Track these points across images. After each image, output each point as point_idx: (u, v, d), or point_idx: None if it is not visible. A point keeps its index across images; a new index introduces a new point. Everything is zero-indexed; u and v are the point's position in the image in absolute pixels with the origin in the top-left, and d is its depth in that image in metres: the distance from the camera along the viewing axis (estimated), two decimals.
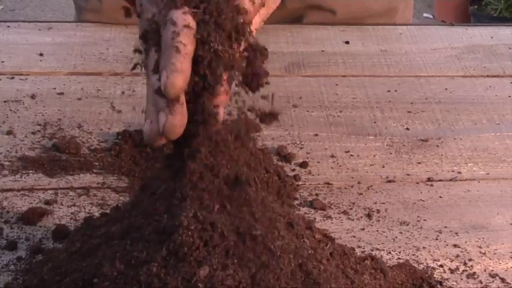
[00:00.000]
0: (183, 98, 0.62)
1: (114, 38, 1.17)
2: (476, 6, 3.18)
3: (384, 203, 0.88)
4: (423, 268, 0.78)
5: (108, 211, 0.77)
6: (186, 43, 0.61)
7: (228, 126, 0.66)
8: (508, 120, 1.04)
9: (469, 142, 0.99)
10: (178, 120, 0.61)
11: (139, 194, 0.69)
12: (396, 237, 0.82)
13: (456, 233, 0.84)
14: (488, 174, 0.94)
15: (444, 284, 0.76)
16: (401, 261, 0.78)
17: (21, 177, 0.88)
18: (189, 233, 0.60)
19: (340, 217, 0.85)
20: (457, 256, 0.80)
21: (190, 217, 0.60)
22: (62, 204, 0.84)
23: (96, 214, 0.80)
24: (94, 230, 0.69)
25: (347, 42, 1.21)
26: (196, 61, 0.62)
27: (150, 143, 0.64)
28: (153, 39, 0.64)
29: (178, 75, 0.60)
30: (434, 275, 0.77)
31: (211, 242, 0.60)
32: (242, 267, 0.60)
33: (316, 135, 0.99)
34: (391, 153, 0.96)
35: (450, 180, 0.92)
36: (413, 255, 0.80)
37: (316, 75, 1.12)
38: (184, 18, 0.62)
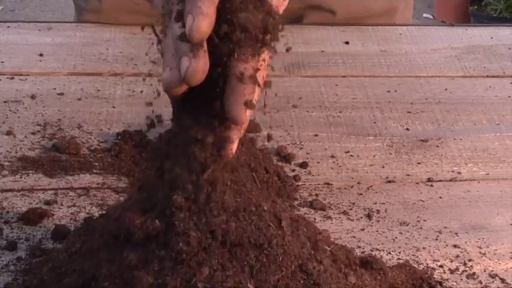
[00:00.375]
0: (205, 45, 0.61)
1: (114, 39, 1.17)
2: (476, 7, 3.17)
3: (384, 204, 0.88)
4: (423, 268, 0.78)
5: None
6: None
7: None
8: (508, 121, 1.04)
9: (469, 142, 0.99)
10: (201, 64, 0.61)
11: (136, 194, 0.69)
12: (396, 238, 0.82)
13: (456, 234, 0.84)
14: (488, 174, 0.94)
15: (444, 284, 0.76)
16: (401, 261, 0.78)
17: (21, 178, 0.88)
18: (188, 240, 0.60)
19: (340, 217, 0.85)
20: (457, 256, 0.80)
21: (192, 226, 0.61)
22: (62, 205, 0.84)
23: (96, 214, 0.80)
24: (93, 230, 0.69)
25: (347, 43, 1.21)
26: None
27: (170, 89, 0.63)
28: None
29: (205, 18, 0.60)
30: (434, 276, 0.77)
31: (210, 247, 0.60)
32: (242, 269, 0.60)
33: (316, 135, 0.99)
34: (391, 154, 0.96)
35: (450, 180, 0.92)
36: (413, 255, 0.80)
37: (316, 76, 1.12)
38: None
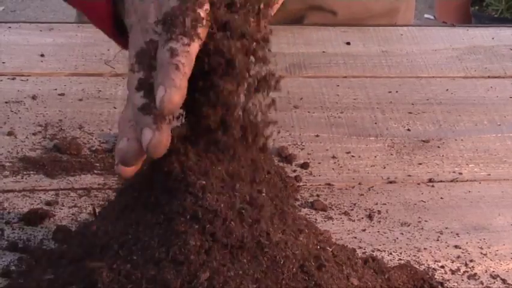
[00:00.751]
0: (170, 118, 0.61)
1: None
2: (477, 7, 3.18)
3: (385, 204, 0.88)
4: (424, 269, 0.78)
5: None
6: (185, 64, 0.60)
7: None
8: (509, 121, 1.04)
9: (470, 143, 0.99)
10: (165, 137, 0.60)
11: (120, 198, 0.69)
12: (397, 238, 0.82)
13: (457, 234, 0.84)
14: (489, 175, 0.94)
15: (445, 285, 0.76)
16: (402, 262, 0.78)
17: (22, 178, 0.88)
18: (191, 242, 0.60)
19: (341, 218, 0.85)
20: (458, 257, 0.80)
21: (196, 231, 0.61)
22: (63, 205, 0.84)
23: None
24: (92, 233, 0.69)
25: (348, 43, 1.21)
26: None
27: (127, 160, 0.63)
28: (146, 59, 0.63)
29: (177, 91, 0.59)
30: (436, 276, 0.77)
31: (211, 249, 0.60)
32: (243, 270, 0.60)
33: (317, 136, 0.99)
34: (392, 154, 0.96)
35: (451, 181, 0.92)
36: (414, 256, 0.80)
37: (317, 76, 1.12)
38: (184, 43, 0.61)
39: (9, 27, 1.20)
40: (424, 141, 0.99)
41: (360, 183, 0.91)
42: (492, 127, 1.03)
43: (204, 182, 0.62)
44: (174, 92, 0.59)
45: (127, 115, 0.64)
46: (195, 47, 0.61)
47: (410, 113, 1.05)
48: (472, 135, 1.01)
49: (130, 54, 0.69)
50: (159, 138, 0.60)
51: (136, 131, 0.62)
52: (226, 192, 0.63)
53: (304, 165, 0.93)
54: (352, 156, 0.96)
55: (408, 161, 0.95)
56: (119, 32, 0.79)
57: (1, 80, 1.06)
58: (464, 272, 0.78)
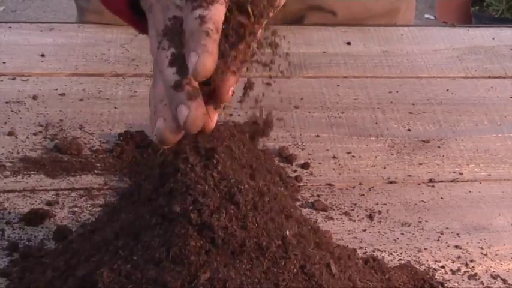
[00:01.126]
0: (200, 92, 0.61)
1: (115, 39, 1.17)
2: (477, 7, 3.17)
3: (386, 204, 0.88)
4: (425, 269, 0.78)
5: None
6: (215, 29, 0.61)
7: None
8: (510, 121, 1.04)
9: (470, 143, 0.99)
10: (201, 112, 0.61)
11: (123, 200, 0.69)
12: (398, 238, 0.82)
13: (458, 234, 0.84)
14: (489, 175, 0.94)
15: (446, 285, 0.76)
16: (402, 262, 0.78)
17: (22, 178, 0.88)
18: (191, 243, 0.60)
19: (341, 218, 0.85)
20: (459, 257, 0.80)
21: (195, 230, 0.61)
22: (64, 205, 0.84)
23: (96, 215, 0.80)
24: (91, 232, 0.69)
25: (348, 43, 1.21)
26: None
27: (166, 140, 0.63)
28: (175, 35, 0.63)
29: (210, 56, 0.59)
30: (436, 276, 0.77)
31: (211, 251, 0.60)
32: (244, 271, 0.60)
33: (318, 136, 0.99)
34: (392, 154, 0.96)
35: (452, 181, 0.92)
36: (414, 256, 0.80)
37: (318, 76, 1.12)
38: (210, 10, 0.61)
39: (10, 27, 1.20)
40: (424, 141, 0.99)
41: (360, 184, 0.91)
42: (492, 127, 1.03)
43: (204, 184, 0.62)
44: (207, 57, 0.59)
45: (159, 93, 0.64)
46: (220, 12, 0.61)
47: (410, 113, 1.05)
48: (473, 135, 1.01)
49: (151, 34, 0.69)
50: (196, 113, 0.60)
51: (170, 109, 0.62)
52: (227, 193, 0.63)
53: (305, 166, 0.93)
54: (353, 156, 0.96)
55: (409, 161, 0.95)
56: (135, 17, 0.79)
57: (2, 80, 1.06)
58: (464, 272, 0.78)
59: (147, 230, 0.63)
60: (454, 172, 0.94)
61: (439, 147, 0.98)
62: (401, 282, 0.73)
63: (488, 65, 1.17)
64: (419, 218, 0.86)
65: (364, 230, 0.83)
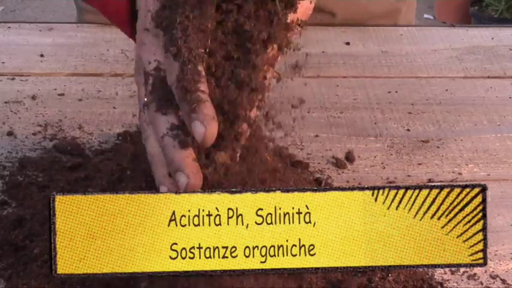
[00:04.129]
0: (194, 154, 0.62)
1: (114, 39, 1.17)
2: (476, 7, 3.17)
3: None
4: (424, 269, 0.78)
5: None
6: (205, 89, 0.62)
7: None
8: (509, 122, 1.04)
9: (469, 143, 0.99)
10: (199, 180, 0.62)
11: None
12: None
13: None
14: (489, 175, 0.94)
15: (445, 285, 0.76)
16: None
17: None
18: None
19: None
20: None
21: None
22: None
23: None
24: None
25: (348, 43, 1.21)
26: None
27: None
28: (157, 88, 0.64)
29: (215, 122, 0.61)
30: (435, 276, 0.77)
31: None
32: None
33: (317, 136, 0.99)
34: (391, 154, 0.96)
35: (451, 181, 0.92)
36: None
37: (317, 77, 1.12)
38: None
39: (9, 27, 1.20)
40: (423, 141, 0.99)
41: (359, 184, 0.91)
42: (492, 127, 1.03)
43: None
44: (213, 125, 0.60)
45: (153, 149, 0.66)
46: (201, 71, 0.62)
47: (409, 113, 1.05)
48: (472, 136, 1.01)
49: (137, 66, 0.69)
50: (195, 183, 0.61)
51: (167, 168, 0.63)
52: None
53: (304, 166, 0.93)
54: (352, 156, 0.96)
55: (408, 161, 0.95)
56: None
57: (1, 80, 1.06)
58: (463, 272, 0.78)
59: None
60: (453, 172, 0.94)
61: (438, 147, 0.98)
62: (400, 282, 0.73)
63: (487, 65, 1.17)
64: None
65: None
